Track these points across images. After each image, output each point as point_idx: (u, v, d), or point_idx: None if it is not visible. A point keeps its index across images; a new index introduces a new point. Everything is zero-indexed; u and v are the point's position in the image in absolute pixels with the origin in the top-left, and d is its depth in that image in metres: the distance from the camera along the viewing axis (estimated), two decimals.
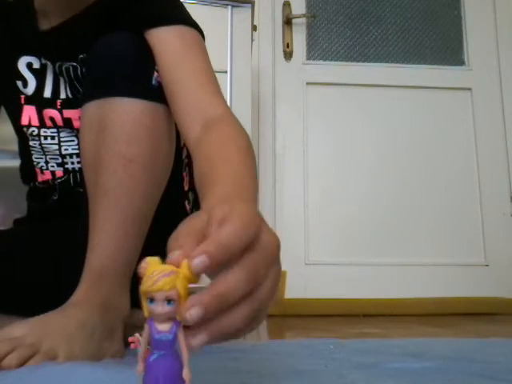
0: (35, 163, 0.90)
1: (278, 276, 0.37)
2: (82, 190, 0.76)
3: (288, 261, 2.07)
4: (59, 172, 0.88)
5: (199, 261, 0.32)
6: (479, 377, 0.54)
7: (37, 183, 0.92)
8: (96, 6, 0.81)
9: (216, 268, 0.33)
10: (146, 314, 0.33)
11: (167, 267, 0.33)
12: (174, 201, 0.84)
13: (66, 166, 0.87)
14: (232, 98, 1.56)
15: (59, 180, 0.88)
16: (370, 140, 2.22)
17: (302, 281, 2.06)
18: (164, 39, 0.74)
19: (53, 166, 0.88)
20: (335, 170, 2.19)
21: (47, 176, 0.89)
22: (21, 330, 0.54)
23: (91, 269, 0.66)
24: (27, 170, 0.94)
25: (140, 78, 0.71)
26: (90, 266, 0.66)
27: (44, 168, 0.89)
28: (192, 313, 0.31)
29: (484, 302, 2.08)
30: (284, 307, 2.01)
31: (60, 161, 0.88)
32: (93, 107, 0.71)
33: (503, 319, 1.88)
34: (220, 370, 0.50)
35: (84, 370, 0.46)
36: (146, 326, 0.33)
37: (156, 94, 0.71)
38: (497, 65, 2.31)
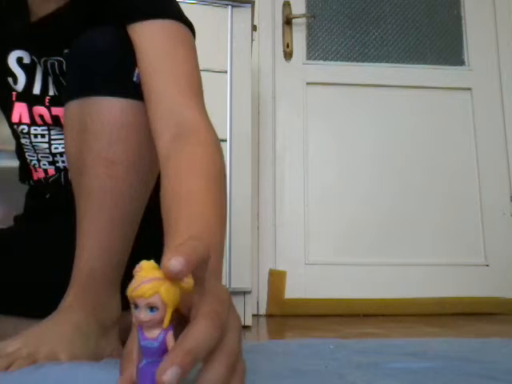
0: (28, 161, 0.89)
1: (238, 322, 0.37)
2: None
3: (288, 261, 2.07)
4: (51, 170, 0.87)
5: (176, 261, 0.31)
6: (479, 377, 0.54)
7: (31, 182, 0.92)
8: None
9: (189, 271, 0.32)
10: (133, 319, 0.32)
11: (152, 273, 0.32)
12: None
13: (57, 165, 0.87)
14: (232, 98, 1.56)
15: (51, 178, 0.88)
16: (370, 140, 2.22)
17: (302, 281, 2.06)
18: (146, 34, 0.70)
19: (45, 165, 0.88)
20: (335, 170, 2.19)
21: (40, 174, 0.89)
22: (15, 344, 0.54)
23: (79, 271, 0.65)
24: (23, 168, 0.93)
25: (120, 76, 0.69)
26: (78, 268, 0.66)
27: (37, 166, 0.89)
28: (169, 376, 0.29)
29: (484, 302, 2.08)
30: (284, 307, 2.01)
31: (51, 159, 0.87)
32: (73, 107, 0.69)
33: (503, 319, 1.88)
34: None
35: (83, 370, 0.46)
36: (135, 332, 0.33)
37: (137, 91, 0.68)
38: (497, 65, 2.31)
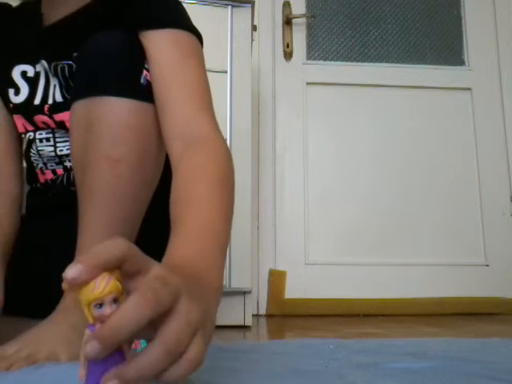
0: (35, 165, 0.90)
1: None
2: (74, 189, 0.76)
3: (288, 261, 2.07)
4: (60, 170, 0.88)
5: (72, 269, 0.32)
6: (479, 377, 0.54)
7: (38, 184, 0.92)
8: (93, 4, 0.81)
9: (93, 274, 0.33)
10: (91, 321, 0.34)
11: (103, 273, 0.34)
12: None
13: (65, 164, 0.87)
14: (232, 98, 1.56)
15: (59, 179, 0.88)
16: (370, 140, 2.22)
17: (302, 281, 2.06)
18: (158, 43, 0.71)
19: (52, 166, 0.88)
20: (335, 169, 2.19)
21: (48, 176, 0.89)
22: (13, 346, 0.54)
23: None
24: (29, 171, 0.94)
25: (128, 77, 0.69)
26: None
27: (44, 169, 0.89)
28: (88, 349, 0.31)
29: (484, 302, 2.08)
30: (284, 307, 2.01)
31: (58, 160, 0.87)
32: (80, 106, 0.70)
33: (503, 319, 1.88)
34: (220, 369, 0.50)
35: None
36: (88, 332, 0.34)
37: (145, 93, 0.69)
38: (497, 65, 2.31)
